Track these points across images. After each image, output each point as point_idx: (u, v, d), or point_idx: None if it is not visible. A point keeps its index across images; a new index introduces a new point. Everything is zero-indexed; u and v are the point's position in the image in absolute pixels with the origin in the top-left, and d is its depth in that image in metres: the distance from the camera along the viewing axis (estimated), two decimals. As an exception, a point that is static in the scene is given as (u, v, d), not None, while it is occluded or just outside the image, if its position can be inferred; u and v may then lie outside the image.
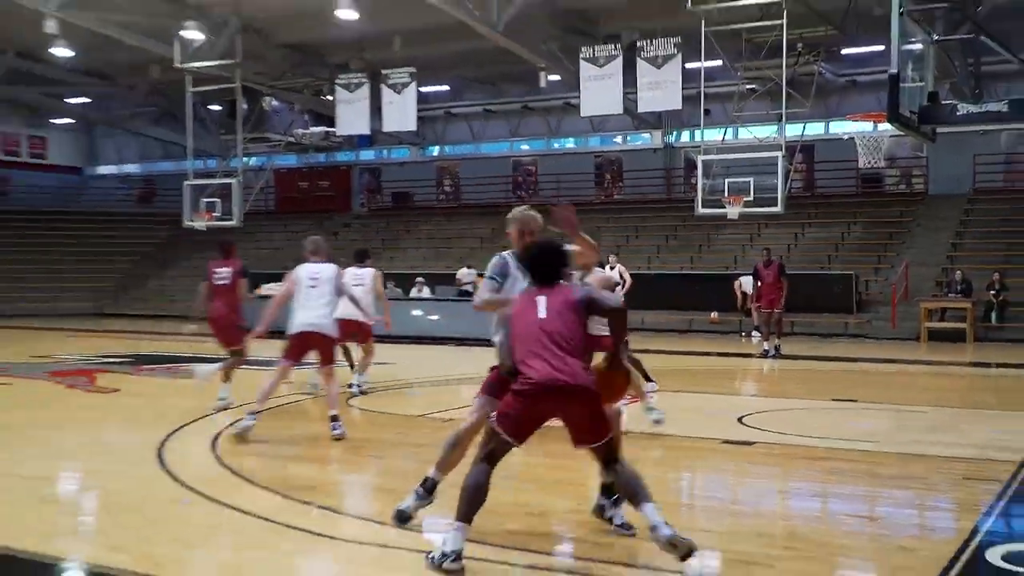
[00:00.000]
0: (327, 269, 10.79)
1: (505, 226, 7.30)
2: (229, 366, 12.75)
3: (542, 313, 6.29)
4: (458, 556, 5.94)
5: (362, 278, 13.90)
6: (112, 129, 47.52)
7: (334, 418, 10.42)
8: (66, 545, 6.68)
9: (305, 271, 10.79)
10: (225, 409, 12.22)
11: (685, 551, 5.85)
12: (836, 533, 7.03)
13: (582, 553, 6.48)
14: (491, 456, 6.25)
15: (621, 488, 6.36)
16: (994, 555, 6.22)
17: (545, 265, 6.59)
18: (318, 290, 10.59)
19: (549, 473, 8.91)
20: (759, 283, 21.05)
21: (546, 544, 6.71)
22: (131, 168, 48.62)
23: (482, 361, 14.85)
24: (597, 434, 6.19)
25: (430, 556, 6.03)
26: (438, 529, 6.40)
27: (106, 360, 19.67)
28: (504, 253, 7.15)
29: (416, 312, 25.02)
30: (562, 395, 6.10)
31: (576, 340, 6.24)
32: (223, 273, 12.69)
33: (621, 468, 6.26)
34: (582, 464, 9.29)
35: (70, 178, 48.21)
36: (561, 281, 6.60)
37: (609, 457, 6.30)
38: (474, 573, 5.95)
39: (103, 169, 49.38)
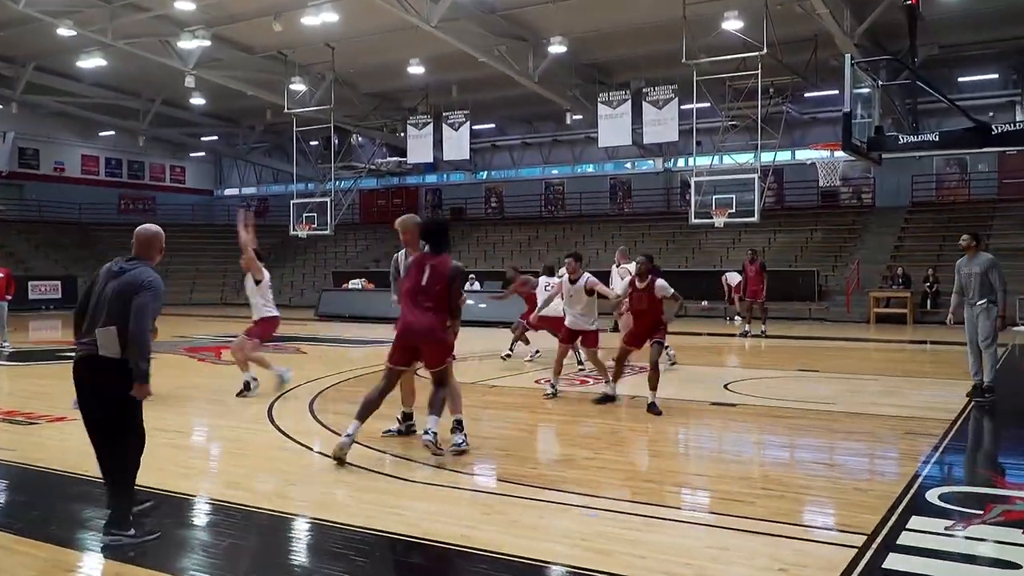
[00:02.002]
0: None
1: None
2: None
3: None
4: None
5: None
6: (235, 160, 47.87)
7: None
8: (195, 484, 6.67)
9: None
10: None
11: (436, 453, 7.12)
12: (803, 476, 6.88)
13: (596, 492, 6.38)
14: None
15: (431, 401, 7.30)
16: (932, 495, 6.09)
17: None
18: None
19: (571, 429, 8.82)
20: (746, 277, 20.79)
21: (568, 484, 6.62)
22: (249, 190, 48.88)
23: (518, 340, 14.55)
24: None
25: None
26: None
27: (229, 339, 19.73)
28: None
29: (468, 302, 24.89)
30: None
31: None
32: None
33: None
34: (598, 421, 9.21)
35: (203, 198, 48.62)
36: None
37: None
38: (513, 506, 5.88)
39: (228, 191, 49.64)
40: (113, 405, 5.29)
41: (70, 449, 7.78)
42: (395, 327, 7.34)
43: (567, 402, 11.00)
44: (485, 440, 8.29)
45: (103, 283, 5.40)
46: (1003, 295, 10.37)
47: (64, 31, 26.35)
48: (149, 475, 6.67)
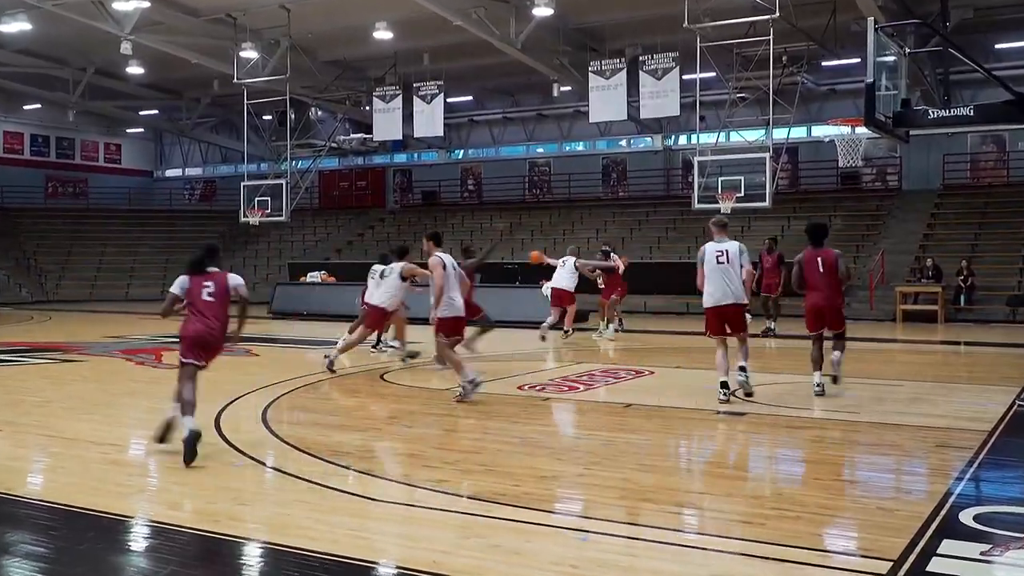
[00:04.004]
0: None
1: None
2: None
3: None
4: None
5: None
6: (178, 137, 47.63)
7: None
8: (133, 504, 6.64)
9: None
10: None
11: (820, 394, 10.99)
12: (820, 495, 6.90)
13: (587, 512, 6.39)
14: None
15: None
16: (966, 516, 6.10)
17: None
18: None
19: (559, 442, 8.83)
20: (762, 269, 20.78)
21: (555, 504, 6.62)
22: (194, 171, 48.68)
23: (499, 341, 14.71)
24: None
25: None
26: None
27: (171, 340, 19.63)
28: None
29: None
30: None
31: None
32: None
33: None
34: (589, 432, 9.22)
35: (141, 180, 48.42)
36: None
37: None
38: (494, 528, 5.87)
39: (170, 172, 49.44)
40: None
41: (-12, 465, 7.72)
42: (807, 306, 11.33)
43: (556, 411, 11.02)
44: (462, 454, 8.29)
45: None
46: None
47: (-18, -10, 26.12)
48: (81, 494, 6.66)
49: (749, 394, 10.84)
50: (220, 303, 8.20)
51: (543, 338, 17.63)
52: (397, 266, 13.97)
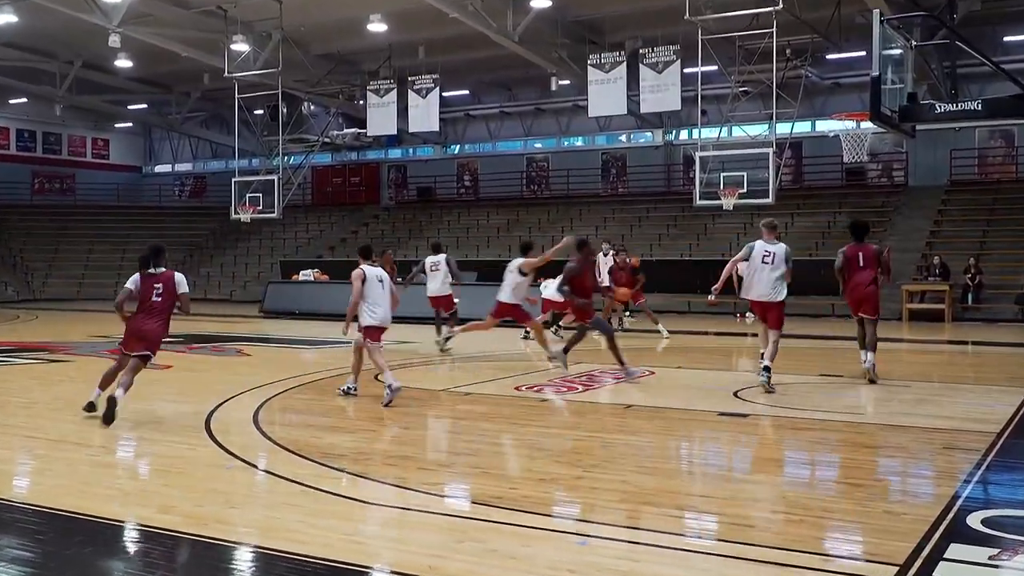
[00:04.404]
0: None
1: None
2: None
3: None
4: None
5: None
6: (167, 132, 47.61)
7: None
8: (120, 507, 6.62)
9: None
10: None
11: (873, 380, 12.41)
12: (824, 498, 6.91)
13: (586, 516, 6.38)
14: None
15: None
16: (974, 520, 6.09)
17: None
18: None
19: (558, 444, 8.82)
20: None
21: (553, 507, 6.61)
22: (184, 167, 48.71)
23: (498, 340, 14.68)
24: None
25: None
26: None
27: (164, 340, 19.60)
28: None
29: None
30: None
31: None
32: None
33: None
34: (589, 434, 9.21)
35: (130, 176, 48.42)
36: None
37: None
38: (489, 532, 5.87)
39: (159, 168, 49.47)
40: None
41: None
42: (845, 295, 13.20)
43: (554, 412, 11.01)
44: (458, 456, 8.28)
45: None
46: None
47: (-34, -19, 26.07)
48: (68, 497, 6.65)
49: (769, 392, 11.36)
50: (166, 302, 9.64)
51: (527, 335, 17.89)
52: (518, 261, 14.87)
